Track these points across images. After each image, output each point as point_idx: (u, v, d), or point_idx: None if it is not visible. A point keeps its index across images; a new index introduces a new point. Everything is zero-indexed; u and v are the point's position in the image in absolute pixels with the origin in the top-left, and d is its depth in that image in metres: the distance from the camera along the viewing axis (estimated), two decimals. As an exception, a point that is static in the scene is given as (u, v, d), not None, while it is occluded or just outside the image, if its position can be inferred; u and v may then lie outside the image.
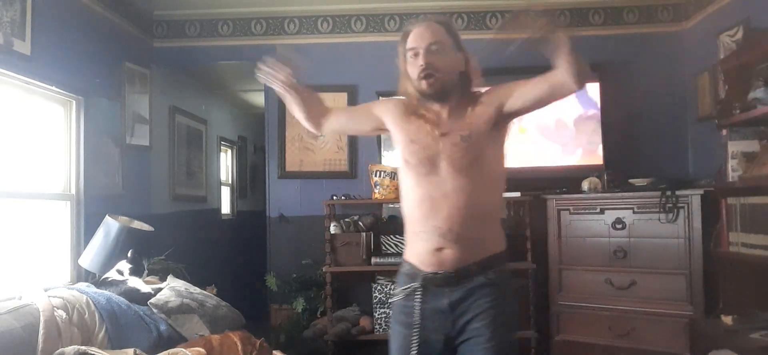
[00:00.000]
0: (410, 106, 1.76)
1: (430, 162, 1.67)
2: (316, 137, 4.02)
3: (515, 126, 2.91)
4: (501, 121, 1.72)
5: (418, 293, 1.68)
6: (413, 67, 1.69)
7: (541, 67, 1.68)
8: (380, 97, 3.43)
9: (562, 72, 1.62)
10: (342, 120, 1.98)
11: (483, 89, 1.77)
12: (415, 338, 1.66)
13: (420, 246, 1.68)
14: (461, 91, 1.73)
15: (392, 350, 1.76)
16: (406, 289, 1.71)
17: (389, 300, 1.90)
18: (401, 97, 1.80)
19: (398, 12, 4.07)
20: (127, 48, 3.81)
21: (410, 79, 1.72)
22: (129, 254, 2.91)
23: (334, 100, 3.99)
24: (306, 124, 1.89)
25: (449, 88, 1.69)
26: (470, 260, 1.65)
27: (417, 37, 1.70)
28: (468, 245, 1.64)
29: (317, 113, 1.89)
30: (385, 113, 1.81)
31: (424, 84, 1.67)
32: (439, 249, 1.64)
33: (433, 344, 1.69)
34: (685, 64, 3.88)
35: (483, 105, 1.72)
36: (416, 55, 1.69)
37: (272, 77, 1.73)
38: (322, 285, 3.73)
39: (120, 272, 2.93)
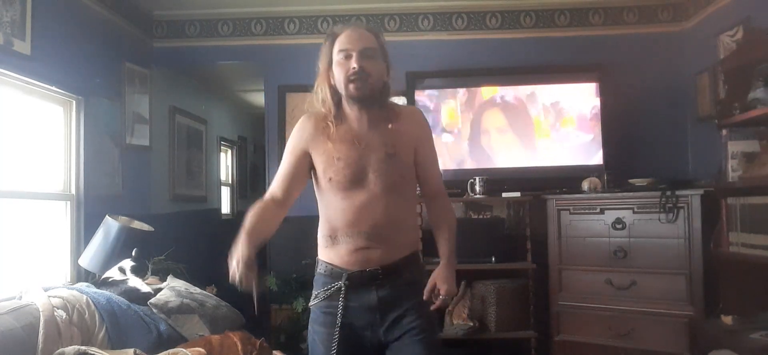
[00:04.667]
0: (322, 119, 1.73)
1: (356, 177, 1.67)
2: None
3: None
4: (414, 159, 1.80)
5: (343, 291, 1.68)
6: (342, 69, 1.68)
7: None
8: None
9: (437, 216, 1.86)
10: (290, 187, 1.78)
11: (399, 104, 1.87)
12: (336, 336, 1.67)
13: (342, 248, 1.69)
14: (381, 99, 1.74)
15: (314, 352, 1.75)
16: (328, 289, 1.71)
17: (308, 305, 1.79)
18: (306, 113, 1.78)
19: (398, 12, 4.07)
20: (127, 48, 3.80)
21: (330, 81, 1.72)
22: (133, 253, 2.91)
23: (334, 100, 4.00)
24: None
25: (375, 94, 1.69)
26: (395, 257, 1.70)
27: (351, 40, 1.70)
28: (391, 246, 1.69)
29: (279, 211, 1.77)
30: (306, 142, 1.74)
31: (352, 87, 1.66)
32: (364, 248, 1.67)
33: (361, 341, 1.70)
34: (685, 64, 3.88)
35: (406, 130, 1.75)
36: (348, 57, 1.68)
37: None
38: (322, 285, 3.72)
39: (122, 270, 2.93)
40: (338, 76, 1.69)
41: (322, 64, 1.76)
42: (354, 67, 1.65)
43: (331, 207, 1.71)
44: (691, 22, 3.85)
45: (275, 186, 1.78)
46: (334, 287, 1.70)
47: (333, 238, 1.71)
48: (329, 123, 1.71)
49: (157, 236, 3.18)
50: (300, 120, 1.79)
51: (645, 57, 3.98)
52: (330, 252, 1.73)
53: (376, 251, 1.67)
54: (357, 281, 1.68)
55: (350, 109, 1.72)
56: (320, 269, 1.77)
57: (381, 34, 1.78)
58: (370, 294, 1.68)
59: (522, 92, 3.85)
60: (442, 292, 1.72)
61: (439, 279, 1.73)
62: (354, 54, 1.67)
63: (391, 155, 1.69)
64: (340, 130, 1.71)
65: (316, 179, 1.76)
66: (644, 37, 3.99)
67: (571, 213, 3.37)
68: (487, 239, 3.61)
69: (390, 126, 1.73)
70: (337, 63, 1.70)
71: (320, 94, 1.74)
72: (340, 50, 1.70)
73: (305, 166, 1.75)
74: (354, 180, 1.67)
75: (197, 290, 3.04)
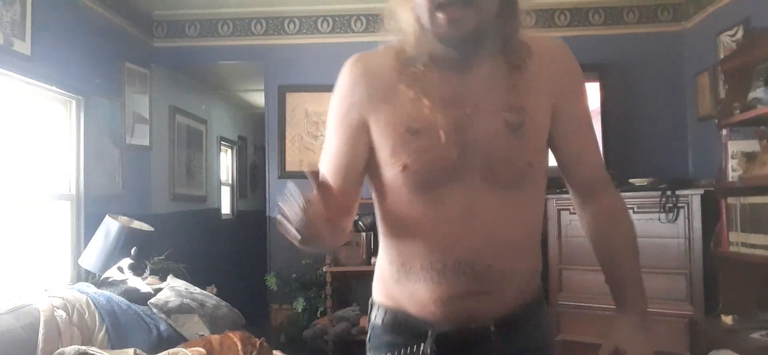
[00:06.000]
0: (390, 64, 1.02)
1: (451, 164, 0.97)
2: (316, 137, 4.03)
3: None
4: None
5: None
6: None
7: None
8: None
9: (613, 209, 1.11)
10: (345, 179, 1.05)
11: (535, 36, 1.05)
12: None
13: (422, 289, 1.01)
14: (501, 37, 0.99)
15: None
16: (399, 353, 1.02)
17: None
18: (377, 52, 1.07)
19: (398, 12, 4.06)
20: (127, 48, 3.80)
21: (410, 9, 0.98)
22: (132, 252, 2.91)
23: (334, 100, 4.00)
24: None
25: (483, 28, 0.95)
26: (514, 302, 1.03)
27: None
28: (508, 284, 1.01)
29: (346, 216, 0.99)
30: (362, 105, 1.03)
31: (441, 19, 0.92)
32: (463, 294, 0.99)
33: None
34: (685, 64, 3.88)
35: (542, 81, 1.02)
36: None
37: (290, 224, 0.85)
38: (322, 285, 3.73)
39: (120, 269, 2.93)
40: (421, 4, 0.94)
41: None
42: None
43: (401, 217, 1.03)
44: (691, 22, 3.85)
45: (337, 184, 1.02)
46: (411, 353, 1.01)
47: (405, 268, 1.03)
48: (410, 68, 0.99)
49: (157, 236, 3.18)
50: (346, 67, 1.07)
51: (645, 57, 3.97)
52: (399, 290, 1.05)
53: (485, 298, 0.99)
54: (452, 345, 1.01)
55: (443, 52, 0.98)
56: (379, 315, 1.09)
57: None
58: None
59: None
60: None
61: (625, 343, 1.07)
62: None
63: (515, 127, 0.98)
64: (424, 82, 0.98)
65: (375, 169, 1.05)
66: (644, 37, 3.99)
67: (571, 213, 3.37)
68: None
69: (514, 77, 0.99)
70: None
71: (400, 18, 1.01)
72: None
73: (363, 147, 1.04)
74: (447, 170, 0.97)
75: (197, 290, 3.04)
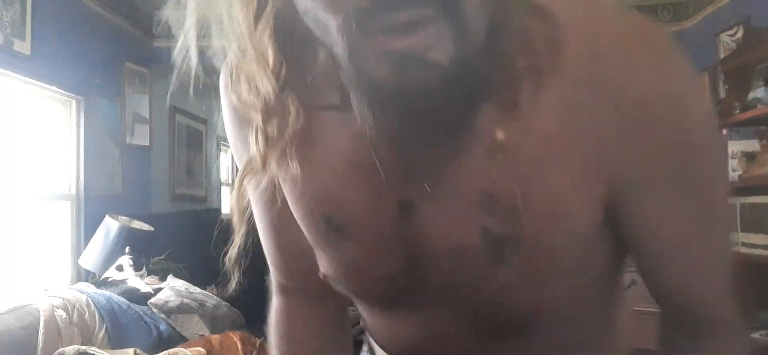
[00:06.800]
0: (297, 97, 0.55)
1: (393, 287, 0.57)
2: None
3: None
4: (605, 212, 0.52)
5: None
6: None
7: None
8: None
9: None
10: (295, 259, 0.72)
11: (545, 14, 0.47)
12: None
13: None
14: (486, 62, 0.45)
15: None
16: None
17: None
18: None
19: (398, 12, 4.06)
20: (127, 48, 3.81)
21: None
22: (126, 251, 2.90)
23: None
24: None
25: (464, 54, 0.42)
26: None
27: None
28: None
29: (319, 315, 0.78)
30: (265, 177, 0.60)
31: (385, 72, 0.42)
32: None
33: None
34: (685, 64, 3.89)
35: (579, 124, 0.47)
36: None
37: None
38: (322, 285, 3.73)
39: (119, 268, 2.93)
40: (329, 25, 0.43)
41: None
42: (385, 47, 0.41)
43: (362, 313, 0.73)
44: (691, 22, 3.85)
45: (275, 268, 0.76)
46: None
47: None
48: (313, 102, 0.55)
49: (157, 236, 3.18)
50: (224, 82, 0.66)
51: (645, 57, 3.97)
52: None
53: None
54: None
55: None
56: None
57: None
58: None
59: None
60: None
61: None
62: None
63: (500, 245, 0.49)
64: (342, 133, 0.53)
65: None
66: (644, 37, 3.99)
67: (571, 213, 3.37)
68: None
69: (501, 136, 0.45)
70: None
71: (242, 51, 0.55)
72: None
73: (286, 217, 0.67)
74: (391, 294, 0.59)
75: (197, 289, 3.04)
